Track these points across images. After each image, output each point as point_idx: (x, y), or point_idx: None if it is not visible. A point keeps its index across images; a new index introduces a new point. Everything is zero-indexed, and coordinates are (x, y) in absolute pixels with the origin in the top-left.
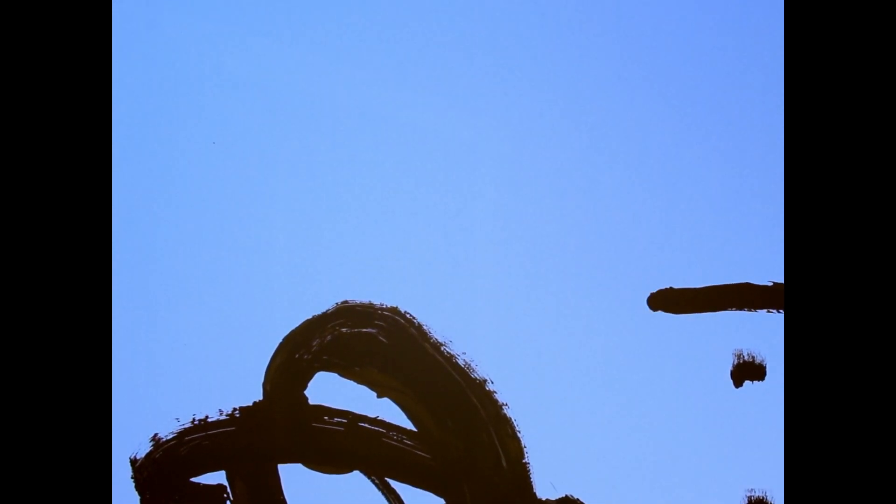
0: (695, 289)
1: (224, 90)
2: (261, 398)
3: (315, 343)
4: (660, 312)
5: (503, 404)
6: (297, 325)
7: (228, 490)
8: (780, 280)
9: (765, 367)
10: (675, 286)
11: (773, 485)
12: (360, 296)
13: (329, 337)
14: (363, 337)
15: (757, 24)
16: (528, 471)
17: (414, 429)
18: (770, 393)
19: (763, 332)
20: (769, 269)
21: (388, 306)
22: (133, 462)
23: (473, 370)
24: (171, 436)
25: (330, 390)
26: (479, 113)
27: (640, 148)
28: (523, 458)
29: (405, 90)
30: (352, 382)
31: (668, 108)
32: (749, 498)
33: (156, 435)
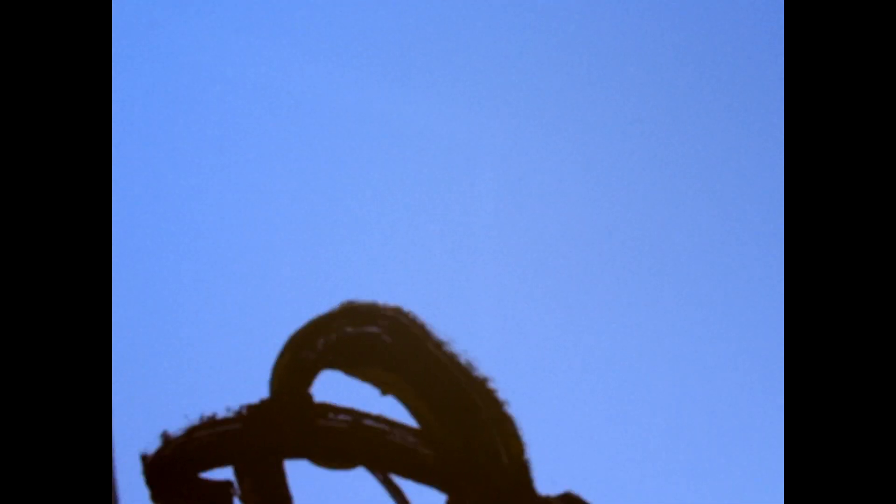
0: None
1: (224, 90)
2: (267, 396)
3: (320, 342)
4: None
5: (505, 402)
6: (302, 324)
7: (236, 485)
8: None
9: None
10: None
11: (774, 484)
12: (363, 296)
13: (334, 336)
14: (367, 336)
15: (757, 24)
16: (530, 468)
17: (417, 426)
18: (770, 393)
19: (763, 332)
20: (769, 269)
21: (391, 306)
22: (143, 458)
23: (475, 369)
24: (180, 433)
25: (335, 388)
26: (482, 113)
27: (640, 147)
28: (524, 455)
29: (409, 90)
30: (356, 381)
31: (668, 108)
32: None
33: (166, 432)
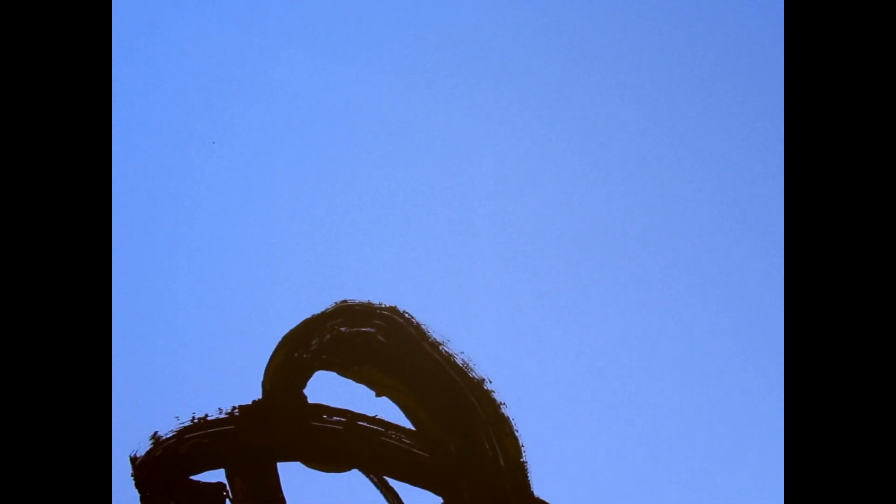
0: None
1: (224, 90)
2: (260, 397)
3: (314, 342)
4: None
5: (501, 403)
6: (296, 324)
7: (228, 488)
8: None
9: None
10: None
11: (774, 484)
12: (358, 295)
13: (328, 336)
14: (362, 336)
15: (757, 24)
16: (527, 470)
17: (412, 427)
18: (770, 393)
19: (763, 332)
20: (769, 268)
21: (387, 305)
22: (133, 460)
23: (472, 369)
24: (171, 434)
25: (329, 389)
26: (478, 112)
27: (641, 147)
28: (521, 457)
29: (405, 89)
30: (351, 381)
31: (668, 108)
32: None
33: (156, 433)
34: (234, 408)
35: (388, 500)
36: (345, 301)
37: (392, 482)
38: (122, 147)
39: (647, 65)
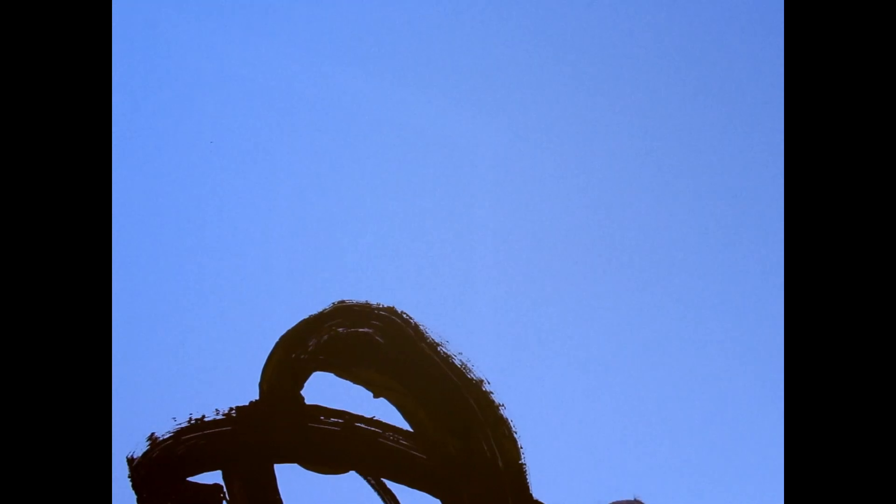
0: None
1: (223, 90)
2: (257, 398)
3: (312, 343)
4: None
5: (500, 405)
6: (293, 324)
7: (225, 490)
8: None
9: None
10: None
11: (774, 484)
12: (356, 295)
13: (326, 337)
14: (360, 337)
15: (757, 24)
16: (525, 471)
17: (410, 429)
18: (770, 393)
19: (763, 332)
20: (769, 269)
21: (385, 306)
22: (130, 461)
23: (470, 370)
24: (168, 435)
25: (326, 390)
26: (477, 113)
27: (640, 148)
28: (520, 458)
29: (404, 90)
30: (348, 382)
31: (668, 108)
32: None
33: (153, 434)
34: (231, 409)
35: (386, 502)
36: (342, 301)
37: (390, 484)
38: (122, 147)
39: (647, 66)
